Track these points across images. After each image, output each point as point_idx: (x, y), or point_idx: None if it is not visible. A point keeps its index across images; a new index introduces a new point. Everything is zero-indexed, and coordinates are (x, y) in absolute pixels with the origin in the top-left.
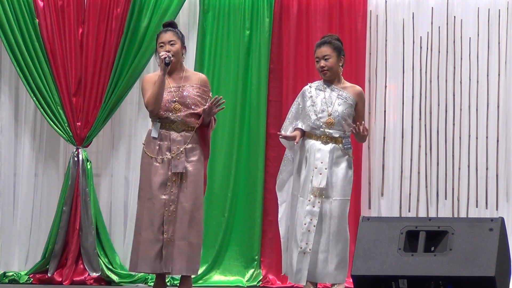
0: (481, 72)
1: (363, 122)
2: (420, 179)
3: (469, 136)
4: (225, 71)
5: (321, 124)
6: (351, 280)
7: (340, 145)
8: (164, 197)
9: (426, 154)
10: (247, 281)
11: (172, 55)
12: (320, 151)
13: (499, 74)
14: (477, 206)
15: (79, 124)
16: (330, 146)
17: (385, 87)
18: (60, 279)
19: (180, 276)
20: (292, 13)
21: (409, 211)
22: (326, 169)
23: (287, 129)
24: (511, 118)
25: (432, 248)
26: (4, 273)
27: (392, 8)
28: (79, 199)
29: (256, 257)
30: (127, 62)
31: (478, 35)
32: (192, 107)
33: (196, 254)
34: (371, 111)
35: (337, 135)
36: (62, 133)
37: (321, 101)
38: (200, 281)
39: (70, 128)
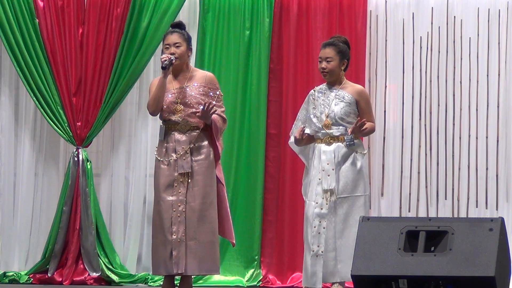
0: (481, 72)
1: (363, 119)
2: (420, 179)
3: (469, 136)
4: (225, 71)
5: (321, 126)
6: (351, 280)
7: (344, 143)
8: (170, 198)
9: (426, 154)
10: (247, 281)
11: (176, 57)
12: (325, 153)
13: (499, 74)
14: (477, 206)
15: (79, 124)
16: (334, 146)
17: (385, 87)
18: (60, 279)
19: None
20: (292, 13)
21: (409, 211)
22: (333, 169)
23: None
24: (511, 118)
25: (432, 248)
26: (4, 273)
27: (392, 8)
28: (79, 199)
29: (256, 257)
30: (127, 62)
31: (478, 35)
32: (195, 106)
33: (208, 252)
34: None
35: (338, 134)
36: (62, 133)
37: (320, 103)
38: (200, 281)
39: (70, 128)
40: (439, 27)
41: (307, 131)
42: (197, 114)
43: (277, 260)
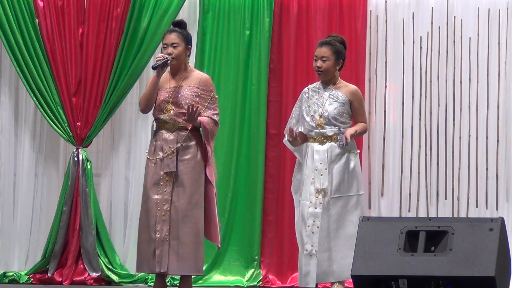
0: (481, 72)
1: (348, 136)
2: (420, 179)
3: (469, 136)
4: (225, 71)
5: (315, 125)
6: (351, 280)
7: (337, 142)
8: (156, 196)
9: (426, 154)
10: (247, 281)
11: (173, 57)
12: (318, 152)
13: (499, 74)
14: (477, 206)
15: (79, 124)
16: (327, 145)
17: (385, 87)
18: (60, 279)
19: (179, 276)
20: (292, 13)
21: (409, 211)
22: (326, 169)
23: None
24: (511, 118)
25: (432, 248)
26: (4, 273)
27: (392, 8)
28: (79, 199)
29: (256, 257)
30: (127, 62)
31: (478, 35)
32: (185, 107)
33: (190, 253)
34: (371, 111)
35: (332, 133)
36: (62, 133)
37: (314, 103)
38: (200, 281)
39: (70, 128)
40: (439, 27)
41: (300, 129)
42: (183, 118)
43: (277, 260)
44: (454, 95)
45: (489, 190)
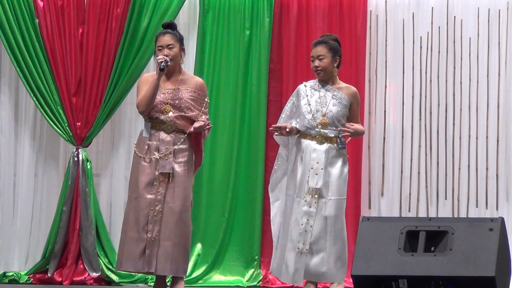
0: (481, 72)
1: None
2: (420, 179)
3: (469, 136)
4: (225, 71)
5: (316, 124)
6: (351, 280)
7: (335, 144)
8: (150, 196)
9: (426, 154)
10: (247, 281)
11: (170, 59)
12: (315, 151)
13: (499, 74)
14: (477, 206)
15: (79, 124)
16: (326, 146)
17: (385, 87)
18: (60, 279)
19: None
20: (292, 13)
21: (409, 211)
22: (322, 169)
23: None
24: (511, 118)
25: (432, 248)
26: (4, 273)
27: (392, 8)
28: (79, 199)
29: (256, 257)
30: (127, 62)
31: (478, 35)
32: (184, 110)
33: (181, 255)
34: (371, 111)
35: (332, 135)
36: (62, 133)
37: (315, 101)
38: (200, 281)
39: (70, 128)
40: (439, 27)
41: (294, 124)
42: (190, 129)
43: None
44: (454, 95)
45: (489, 190)
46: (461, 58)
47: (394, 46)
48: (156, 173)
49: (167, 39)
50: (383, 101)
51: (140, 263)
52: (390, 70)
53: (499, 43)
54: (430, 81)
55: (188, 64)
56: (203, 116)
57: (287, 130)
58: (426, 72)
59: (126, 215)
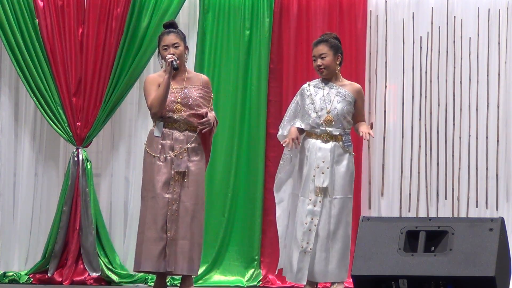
0: (481, 72)
1: (367, 132)
2: (420, 179)
3: (469, 136)
4: (225, 71)
5: (321, 122)
6: (351, 280)
7: (340, 142)
8: (167, 195)
9: (426, 154)
10: (247, 281)
11: (177, 58)
12: (321, 150)
13: (499, 74)
14: (477, 206)
15: (79, 124)
16: (331, 144)
17: (385, 87)
18: (60, 279)
19: (180, 276)
20: (292, 13)
21: (409, 211)
22: (328, 168)
23: (285, 128)
24: (511, 118)
25: (432, 248)
26: (4, 273)
27: (392, 8)
28: (79, 199)
29: (256, 257)
30: (127, 62)
31: (478, 35)
32: (195, 108)
33: (197, 254)
34: (371, 111)
35: (337, 133)
36: (62, 133)
37: (320, 99)
38: (200, 281)
39: (70, 128)
40: (439, 27)
41: (298, 124)
42: (200, 127)
43: (277, 260)
44: (454, 95)
45: (489, 190)
46: (461, 58)
47: (394, 46)
48: (172, 172)
49: (172, 38)
50: (383, 101)
51: (159, 262)
52: (390, 70)
53: (499, 43)
54: (430, 81)
55: (188, 64)
56: (212, 113)
57: (298, 142)
58: (426, 72)
59: (143, 215)
